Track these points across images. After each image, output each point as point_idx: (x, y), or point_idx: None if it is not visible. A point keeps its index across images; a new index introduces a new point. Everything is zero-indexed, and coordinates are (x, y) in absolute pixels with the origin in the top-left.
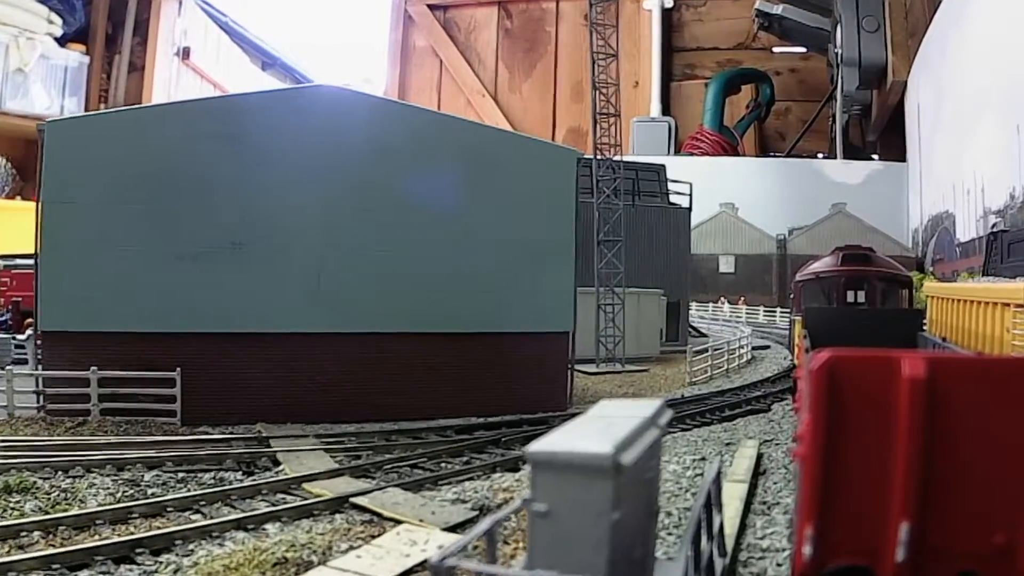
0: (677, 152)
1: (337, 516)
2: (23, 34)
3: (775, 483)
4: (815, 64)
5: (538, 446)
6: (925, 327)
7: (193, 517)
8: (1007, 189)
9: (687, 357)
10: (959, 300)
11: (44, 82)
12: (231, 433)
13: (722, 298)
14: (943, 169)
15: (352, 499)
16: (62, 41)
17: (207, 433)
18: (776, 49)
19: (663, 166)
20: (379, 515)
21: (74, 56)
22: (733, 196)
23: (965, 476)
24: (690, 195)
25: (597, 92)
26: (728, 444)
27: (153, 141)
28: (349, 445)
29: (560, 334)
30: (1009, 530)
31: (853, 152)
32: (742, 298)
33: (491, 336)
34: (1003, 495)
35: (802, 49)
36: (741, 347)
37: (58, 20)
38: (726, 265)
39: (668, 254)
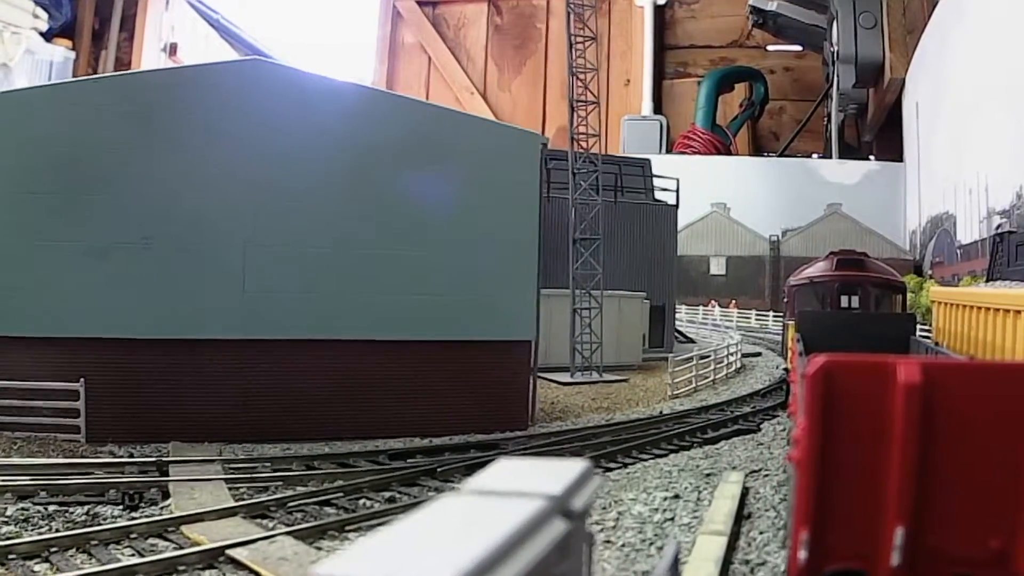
0: (669, 151)
1: (207, 573)
2: (8, 28)
3: (762, 533)
4: (810, 63)
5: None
6: (929, 333)
7: (37, 568)
8: (1014, 188)
9: (670, 367)
10: (972, 307)
11: (29, 77)
12: (131, 455)
13: (713, 301)
14: (943, 168)
15: (229, 551)
16: (48, 36)
17: (110, 454)
18: (770, 47)
19: (648, 160)
20: (257, 574)
21: (60, 51)
22: (725, 196)
23: (960, 480)
24: (677, 191)
25: (574, 78)
26: (708, 475)
27: (58, 122)
28: (259, 474)
29: (520, 343)
30: (1004, 534)
31: (848, 152)
32: (733, 301)
33: (441, 344)
34: (998, 499)
35: (797, 47)
36: (730, 355)
37: (44, 15)
38: (717, 267)
39: (653, 254)
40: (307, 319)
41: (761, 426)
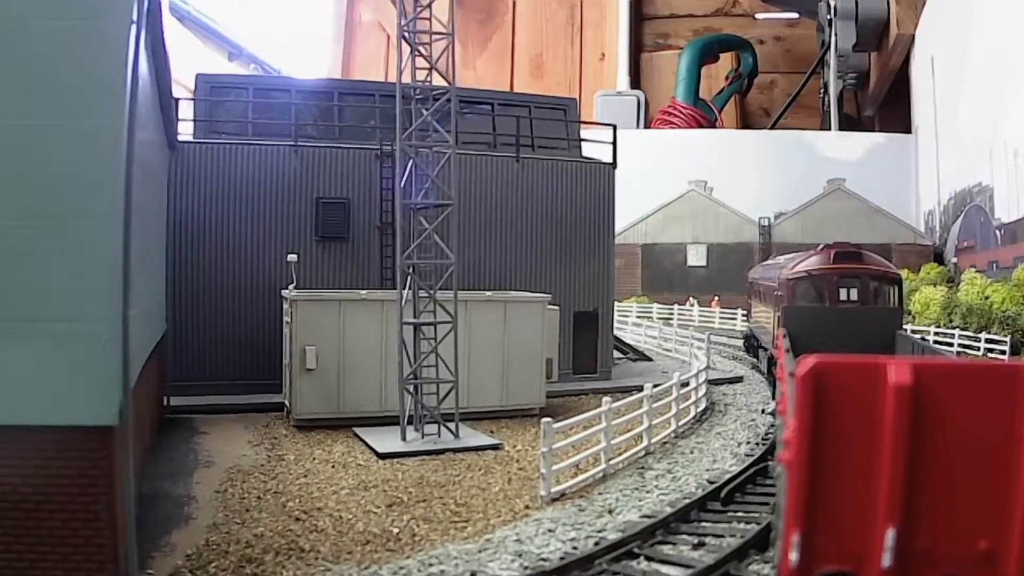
0: (648, 130)
1: None
2: None
3: None
4: (803, 31)
5: None
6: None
7: None
8: None
9: (543, 438)
10: None
11: None
12: None
13: (690, 299)
14: (972, 131)
15: None
16: None
17: None
18: (759, 15)
19: (573, 101)
20: None
21: None
22: (706, 175)
23: (950, 482)
24: (614, 143)
25: None
26: None
27: None
28: None
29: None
30: (993, 535)
31: (849, 127)
32: (716, 298)
33: None
34: (987, 501)
35: (789, 14)
36: (688, 388)
37: None
38: (696, 257)
39: (577, 236)
40: None
41: None
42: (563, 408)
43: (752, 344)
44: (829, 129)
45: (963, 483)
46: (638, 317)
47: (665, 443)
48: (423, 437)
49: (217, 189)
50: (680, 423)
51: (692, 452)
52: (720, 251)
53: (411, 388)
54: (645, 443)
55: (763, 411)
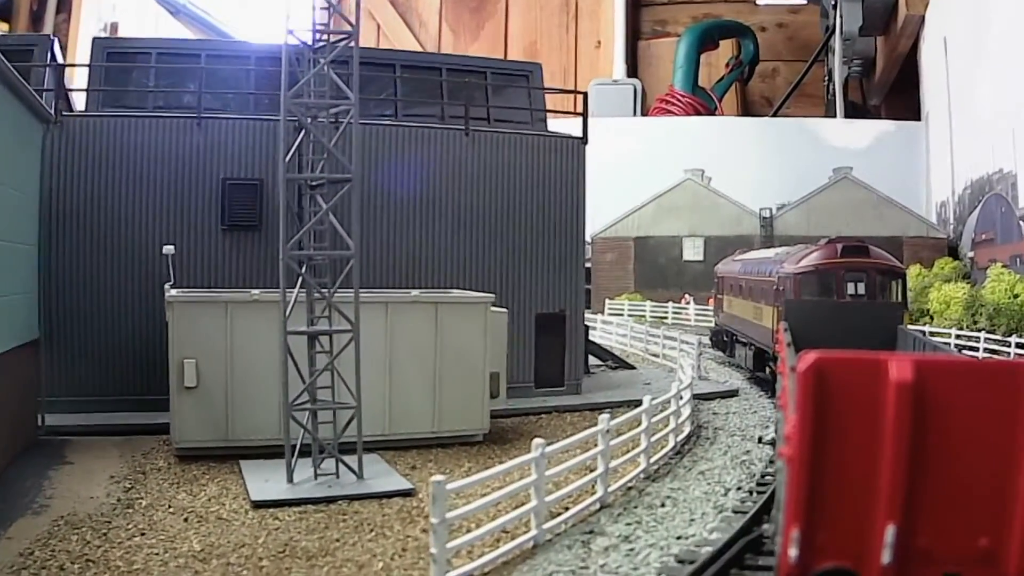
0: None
1: None
2: None
3: None
4: (806, 18)
5: None
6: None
7: None
8: None
9: (433, 510)
10: None
11: None
12: None
13: (686, 296)
14: (991, 114)
15: None
16: None
17: None
18: (761, 1)
19: (537, 66)
20: None
21: None
22: (704, 163)
23: (951, 479)
24: (584, 114)
25: None
26: None
27: None
28: None
29: None
30: (994, 534)
31: (855, 114)
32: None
33: None
34: (988, 498)
35: (795, 0)
36: (662, 412)
37: None
38: (693, 251)
39: (540, 223)
40: None
41: None
42: (515, 432)
43: (723, 340)
44: (834, 117)
45: (964, 481)
46: (629, 315)
47: (630, 488)
48: (316, 478)
49: (104, 170)
50: (652, 460)
51: (663, 505)
52: (718, 244)
53: (295, 414)
54: (600, 493)
55: (760, 440)
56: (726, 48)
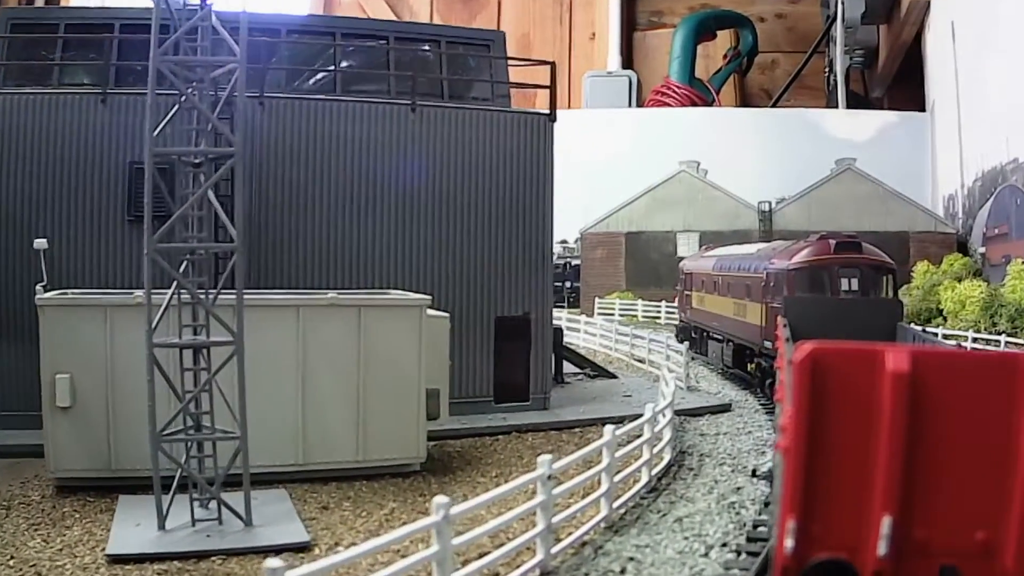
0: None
1: None
2: None
3: None
4: (806, 8)
5: None
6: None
7: None
8: None
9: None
10: None
11: None
12: None
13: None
14: (1005, 101)
15: None
16: None
17: None
18: None
19: (499, 34)
20: None
21: None
22: (700, 155)
23: (948, 471)
24: (552, 87)
25: None
26: None
27: None
28: None
29: None
30: (991, 527)
31: (857, 106)
32: None
33: None
34: (985, 491)
35: None
36: (639, 439)
37: None
38: (687, 247)
39: (500, 213)
40: None
41: None
42: (462, 459)
43: (691, 336)
44: (836, 108)
45: (961, 473)
46: (620, 316)
47: (585, 544)
48: (194, 525)
49: None
50: (617, 504)
51: (623, 573)
52: (714, 240)
53: (163, 445)
54: (540, 556)
55: (755, 473)
56: (724, 39)
